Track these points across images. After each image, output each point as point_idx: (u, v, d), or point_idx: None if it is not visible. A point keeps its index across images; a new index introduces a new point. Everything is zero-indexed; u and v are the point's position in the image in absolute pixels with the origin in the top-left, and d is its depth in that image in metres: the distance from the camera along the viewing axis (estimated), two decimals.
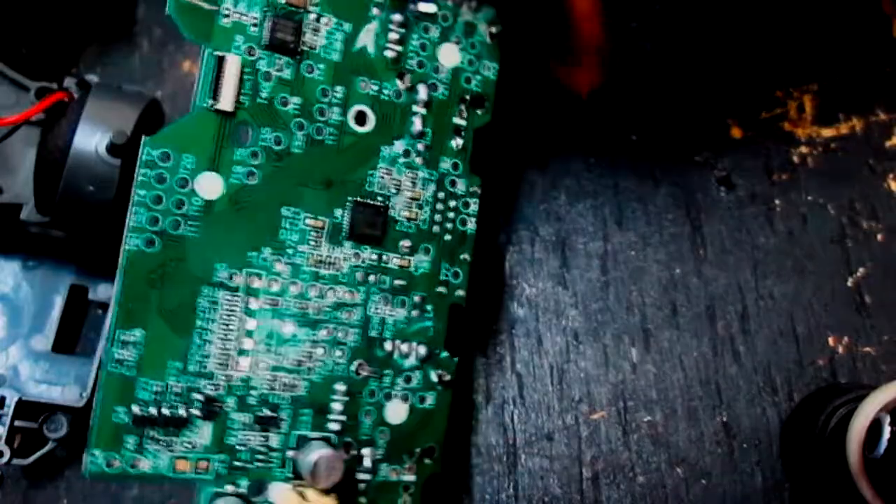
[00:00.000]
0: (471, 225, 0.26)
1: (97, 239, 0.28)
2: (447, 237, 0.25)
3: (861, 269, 0.29)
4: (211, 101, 0.22)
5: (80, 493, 0.28)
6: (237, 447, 0.23)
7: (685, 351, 0.29)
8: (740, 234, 0.30)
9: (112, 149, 0.25)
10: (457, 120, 0.25)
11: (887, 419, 0.23)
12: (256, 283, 0.23)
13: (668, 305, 0.29)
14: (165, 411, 0.22)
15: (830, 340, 0.28)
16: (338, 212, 0.24)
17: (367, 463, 0.24)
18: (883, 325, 0.28)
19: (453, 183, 0.25)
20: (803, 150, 0.30)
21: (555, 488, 0.28)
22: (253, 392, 0.23)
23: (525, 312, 0.29)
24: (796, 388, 0.28)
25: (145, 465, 0.22)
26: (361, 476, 0.24)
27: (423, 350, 0.25)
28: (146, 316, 0.22)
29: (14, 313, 0.28)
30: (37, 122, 0.27)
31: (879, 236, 0.29)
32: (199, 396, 0.22)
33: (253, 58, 0.23)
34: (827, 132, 0.30)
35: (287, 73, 0.23)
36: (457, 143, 0.25)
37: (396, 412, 0.24)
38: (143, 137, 0.21)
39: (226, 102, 0.22)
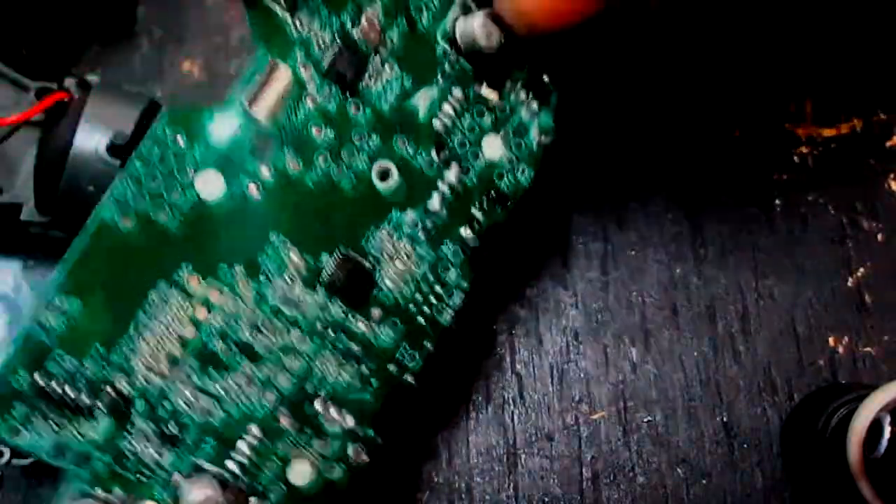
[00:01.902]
0: (446, 317, 0.24)
1: None
2: (419, 319, 0.24)
3: (861, 269, 0.29)
4: (246, 102, 0.21)
5: None
6: (127, 453, 0.21)
7: (685, 351, 0.29)
8: (740, 234, 0.30)
9: (112, 149, 0.25)
10: (474, 211, 0.24)
11: (888, 419, 0.23)
12: (214, 297, 0.21)
13: (668, 305, 0.29)
14: (69, 392, 0.20)
15: (830, 340, 0.28)
16: (324, 257, 0.22)
17: None
18: (883, 325, 0.28)
19: (446, 269, 0.24)
20: (803, 150, 0.30)
21: (555, 488, 0.28)
22: (166, 403, 0.21)
23: (525, 312, 0.29)
24: (796, 388, 0.28)
25: (24, 438, 0.20)
26: None
27: (350, 421, 0.23)
28: (91, 290, 0.20)
29: (14, 313, 0.28)
30: (37, 122, 0.27)
31: (879, 236, 0.29)
32: (111, 390, 0.21)
33: (305, 77, 0.21)
34: (827, 132, 0.30)
35: (331, 105, 0.22)
36: (466, 232, 0.24)
37: (300, 473, 0.23)
38: (164, 109, 0.20)
39: (261, 110, 0.21)
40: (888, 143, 0.30)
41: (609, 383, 0.28)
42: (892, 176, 0.30)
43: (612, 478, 0.28)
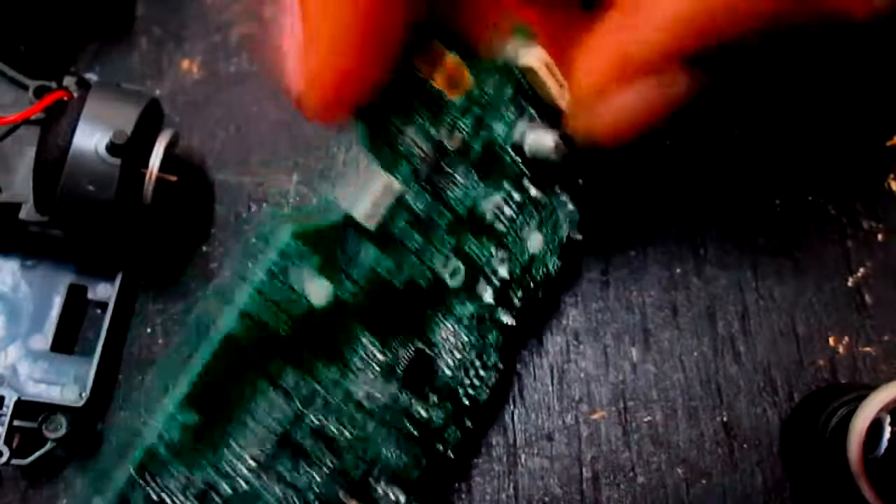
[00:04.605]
0: (483, 395, 0.26)
1: (96, 238, 0.28)
2: (465, 401, 0.26)
3: (861, 269, 0.29)
4: (359, 215, 0.22)
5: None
6: None
7: (685, 351, 0.29)
8: (740, 234, 0.30)
9: (112, 148, 0.25)
10: (515, 299, 0.26)
11: (888, 419, 0.23)
12: (312, 398, 0.22)
13: (668, 305, 0.29)
14: (179, 502, 0.21)
15: (830, 340, 0.28)
16: (402, 352, 0.24)
17: None
18: (883, 325, 0.28)
19: (490, 354, 0.26)
20: (803, 150, 0.30)
21: (555, 488, 0.28)
22: (259, 502, 0.22)
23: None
24: (796, 388, 0.28)
25: None
26: None
27: (402, 497, 0.24)
28: (210, 402, 0.20)
29: (13, 313, 0.28)
30: (36, 120, 0.27)
31: (879, 236, 0.29)
32: (215, 495, 0.21)
33: (406, 188, 0.22)
34: (826, 132, 0.30)
35: (422, 213, 0.23)
36: (507, 320, 0.26)
37: None
38: (291, 227, 0.21)
39: (369, 219, 0.22)
40: (888, 143, 0.30)
41: (609, 383, 0.28)
42: (892, 176, 0.30)
43: (612, 478, 0.28)
